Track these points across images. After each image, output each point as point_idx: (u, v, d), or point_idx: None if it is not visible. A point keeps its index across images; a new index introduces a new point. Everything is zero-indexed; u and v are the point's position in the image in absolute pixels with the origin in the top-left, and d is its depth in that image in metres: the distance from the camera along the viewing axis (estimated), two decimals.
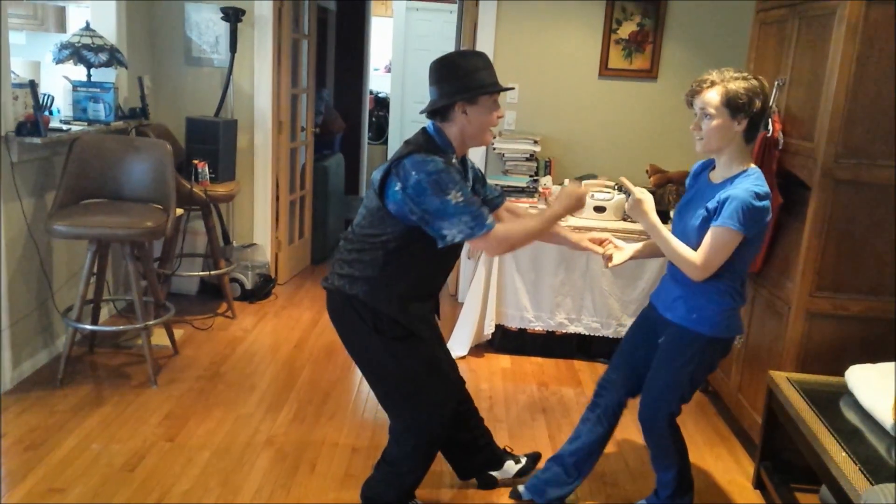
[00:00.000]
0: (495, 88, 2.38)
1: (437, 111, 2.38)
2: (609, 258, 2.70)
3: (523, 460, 3.02)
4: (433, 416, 2.55)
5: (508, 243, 2.40)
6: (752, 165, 2.42)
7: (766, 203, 2.32)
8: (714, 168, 2.52)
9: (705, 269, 2.35)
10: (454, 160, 2.41)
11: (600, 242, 2.73)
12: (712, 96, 2.33)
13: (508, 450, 3.06)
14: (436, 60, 2.42)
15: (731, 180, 2.38)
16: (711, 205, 2.36)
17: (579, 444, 2.80)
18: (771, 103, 3.27)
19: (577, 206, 2.47)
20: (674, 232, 2.50)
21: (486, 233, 2.29)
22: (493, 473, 2.97)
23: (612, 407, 2.75)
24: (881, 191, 2.86)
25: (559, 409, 3.72)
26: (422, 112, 2.46)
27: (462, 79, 2.34)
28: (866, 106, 2.80)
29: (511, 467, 2.99)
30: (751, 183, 2.32)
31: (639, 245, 2.75)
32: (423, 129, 2.43)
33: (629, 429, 3.54)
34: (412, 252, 2.39)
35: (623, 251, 2.71)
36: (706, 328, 2.46)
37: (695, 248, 2.40)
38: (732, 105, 2.31)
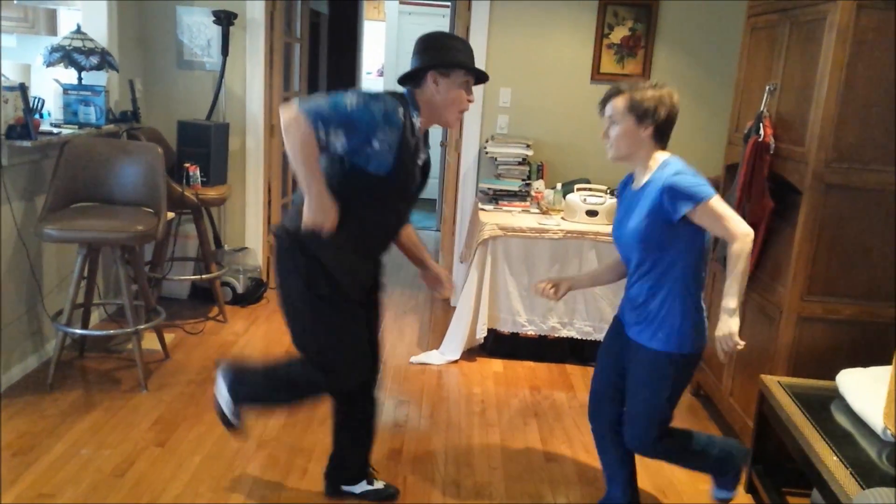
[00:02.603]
0: (469, 66, 2.41)
1: (410, 76, 2.42)
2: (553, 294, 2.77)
3: (380, 485, 2.90)
4: (340, 380, 2.56)
5: (289, 127, 2.27)
6: (663, 156, 2.43)
7: (685, 165, 2.38)
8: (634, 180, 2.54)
9: (745, 234, 2.30)
10: (417, 128, 2.42)
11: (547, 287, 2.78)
12: (619, 102, 2.40)
13: (373, 473, 2.93)
14: (422, 35, 2.47)
15: (652, 179, 2.39)
16: (648, 205, 2.36)
17: (613, 473, 2.78)
18: (762, 108, 3.29)
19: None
20: (617, 239, 2.58)
21: (300, 110, 2.25)
22: (345, 488, 2.87)
23: (613, 426, 2.71)
24: (872, 195, 2.87)
25: (551, 413, 3.72)
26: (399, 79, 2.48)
27: (440, 51, 2.40)
28: (857, 110, 2.81)
29: (363, 486, 2.87)
30: (670, 171, 2.35)
31: (578, 277, 2.88)
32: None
33: None
34: (351, 196, 2.37)
35: (560, 287, 2.78)
36: (673, 347, 2.45)
37: (632, 252, 2.46)
38: (636, 111, 2.37)
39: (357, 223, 2.41)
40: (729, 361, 3.44)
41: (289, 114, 2.26)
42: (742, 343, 2.35)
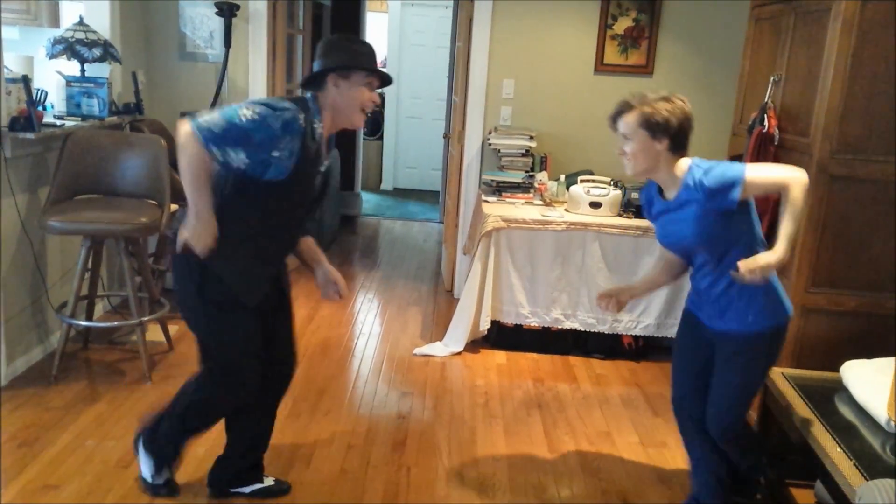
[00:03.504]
0: (368, 66, 2.38)
1: (311, 80, 2.40)
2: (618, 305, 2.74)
3: (270, 482, 2.84)
4: (231, 390, 2.53)
5: (184, 146, 2.22)
6: (685, 163, 2.41)
7: (704, 160, 2.39)
8: (661, 190, 2.51)
9: (801, 175, 2.29)
10: (318, 133, 2.37)
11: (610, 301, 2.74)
12: (630, 118, 2.37)
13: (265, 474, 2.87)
14: (323, 38, 2.44)
15: (685, 187, 2.38)
16: (696, 211, 2.35)
17: (702, 464, 2.74)
18: (767, 98, 3.28)
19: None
20: (669, 246, 2.55)
21: (194, 128, 2.20)
22: (232, 489, 2.80)
23: (699, 421, 2.67)
24: (877, 186, 2.86)
25: (555, 404, 3.72)
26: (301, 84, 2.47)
27: (339, 54, 2.37)
28: (861, 102, 2.80)
29: (253, 486, 2.81)
30: (698, 174, 2.34)
31: (636, 285, 2.78)
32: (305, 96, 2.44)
33: (625, 426, 3.55)
34: (246, 203, 2.34)
35: (622, 296, 2.73)
36: (766, 322, 2.44)
37: (694, 253, 2.45)
38: (648, 125, 2.34)
39: (252, 230, 2.38)
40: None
41: (185, 133, 2.21)
42: (753, 279, 2.28)
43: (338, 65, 2.35)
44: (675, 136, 2.35)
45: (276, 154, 2.25)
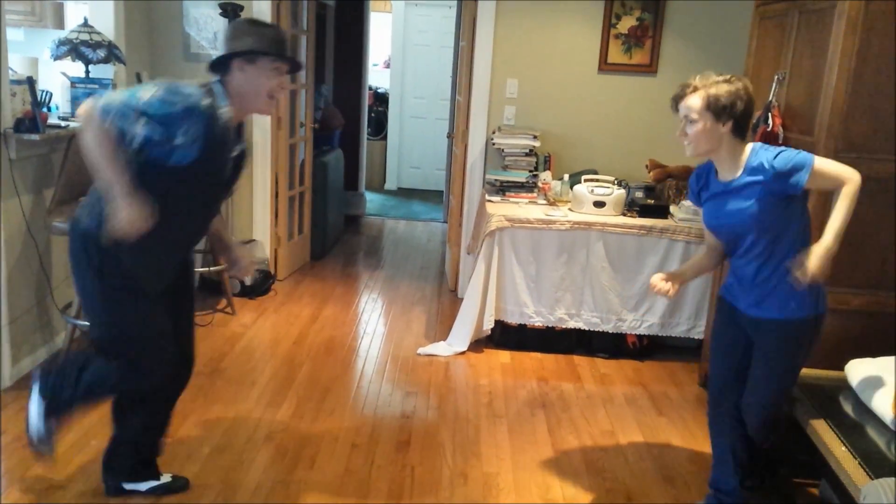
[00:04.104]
0: (274, 52, 2.34)
1: (218, 64, 2.36)
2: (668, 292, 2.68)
3: (167, 478, 2.79)
4: (136, 375, 2.46)
5: (85, 124, 2.18)
6: (748, 147, 2.43)
7: (781, 148, 2.42)
8: (717, 172, 2.51)
9: (855, 174, 2.33)
10: (225, 119, 2.32)
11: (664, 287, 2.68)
12: (694, 101, 2.35)
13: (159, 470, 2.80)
14: (231, 21, 2.39)
15: (749, 169, 2.39)
16: (758, 192, 2.35)
17: (725, 456, 2.73)
18: (771, 97, 3.27)
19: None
20: (719, 228, 2.53)
21: (96, 106, 2.16)
22: (127, 486, 2.73)
23: (735, 411, 2.67)
24: (881, 185, 2.86)
25: (559, 404, 3.72)
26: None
27: (246, 38, 2.33)
28: (866, 100, 2.80)
29: (149, 483, 2.75)
30: (767, 156, 2.36)
31: (684, 270, 2.74)
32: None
33: (629, 425, 3.54)
34: (150, 189, 2.26)
35: (674, 282, 2.65)
36: (808, 310, 2.46)
37: (743, 236, 2.44)
38: (714, 108, 2.33)
39: (159, 216, 2.30)
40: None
41: (85, 110, 2.17)
42: (815, 277, 2.28)
43: (243, 49, 2.31)
44: (739, 119, 2.35)
45: (178, 139, 2.20)
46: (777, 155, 2.35)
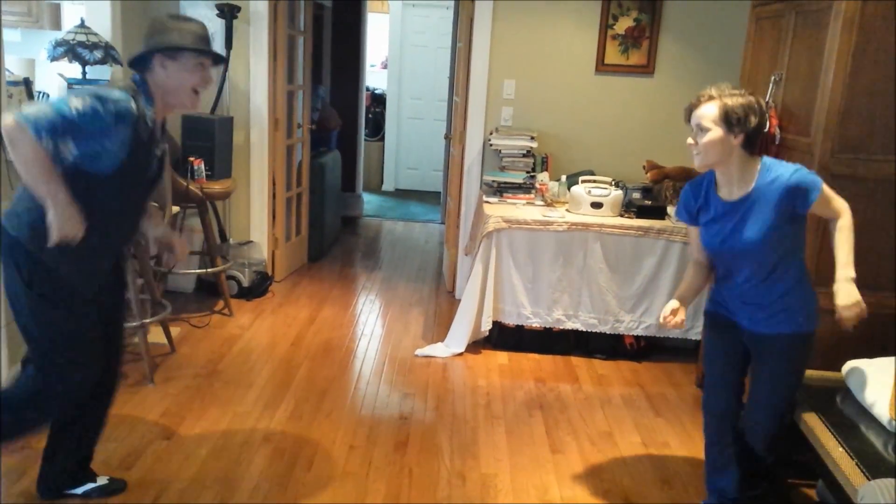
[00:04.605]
0: (195, 47, 2.32)
1: (138, 60, 2.34)
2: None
3: (104, 480, 2.76)
4: (64, 386, 2.42)
5: (15, 141, 2.10)
6: (759, 162, 2.42)
7: (781, 161, 2.45)
8: (718, 186, 2.49)
9: (848, 207, 2.44)
10: (151, 119, 2.31)
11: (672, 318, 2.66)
12: (709, 110, 2.35)
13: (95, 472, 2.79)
14: (152, 17, 2.38)
15: (759, 186, 2.38)
16: (773, 210, 2.35)
17: (726, 465, 2.72)
18: (767, 98, 3.27)
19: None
20: (721, 251, 2.50)
21: (23, 121, 2.08)
22: (68, 490, 2.70)
23: (730, 418, 2.69)
24: (878, 185, 2.86)
25: (557, 405, 3.72)
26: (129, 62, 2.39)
27: (165, 34, 2.31)
28: (863, 101, 2.80)
29: (86, 486, 2.72)
30: (784, 171, 2.37)
31: (684, 295, 2.70)
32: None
33: (627, 426, 3.54)
34: (78, 192, 2.22)
35: (682, 312, 2.63)
36: (813, 324, 2.51)
37: (753, 258, 2.43)
38: (728, 120, 2.32)
39: (87, 221, 2.27)
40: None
41: (10, 126, 2.09)
42: (859, 306, 2.40)
43: (164, 46, 2.29)
44: (751, 133, 2.35)
45: (107, 145, 2.19)
46: (795, 171, 2.36)
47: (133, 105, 2.23)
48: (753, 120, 2.33)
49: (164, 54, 2.30)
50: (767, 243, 2.40)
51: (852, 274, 2.39)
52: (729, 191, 2.45)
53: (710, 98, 2.36)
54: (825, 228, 2.87)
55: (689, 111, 2.42)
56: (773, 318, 2.49)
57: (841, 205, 2.42)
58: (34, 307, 2.36)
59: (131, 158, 2.27)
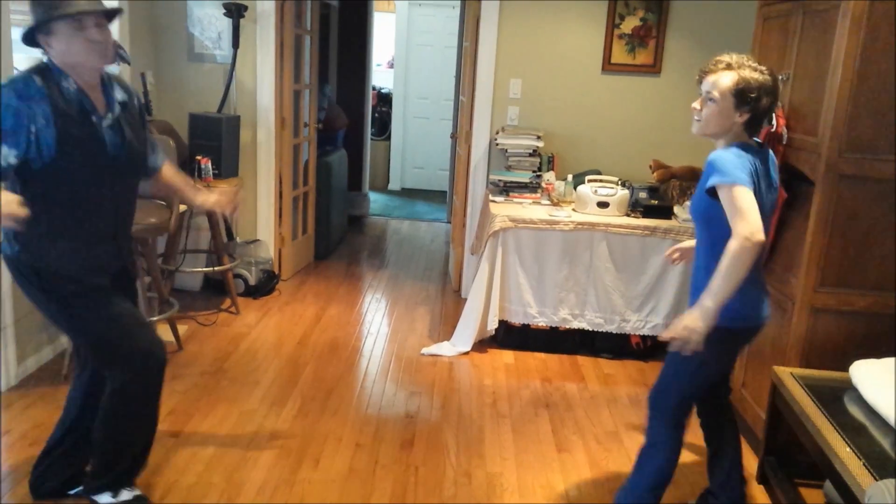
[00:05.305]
0: (64, 13, 2.16)
1: (28, 44, 2.25)
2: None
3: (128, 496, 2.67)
4: (133, 360, 2.43)
5: None
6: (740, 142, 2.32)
7: (740, 152, 2.23)
8: None
9: (748, 235, 2.11)
10: (71, 90, 2.24)
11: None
12: (724, 79, 2.26)
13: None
14: None
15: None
16: (702, 180, 2.31)
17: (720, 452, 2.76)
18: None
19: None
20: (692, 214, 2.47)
21: None
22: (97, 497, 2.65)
23: (711, 410, 2.74)
24: (886, 185, 2.85)
25: (562, 404, 3.72)
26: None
27: (35, 11, 2.20)
28: (870, 101, 2.79)
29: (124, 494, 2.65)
30: (728, 153, 2.24)
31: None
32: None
33: (633, 426, 3.54)
34: (36, 184, 2.21)
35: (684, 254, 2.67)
36: (731, 321, 2.30)
37: (699, 234, 2.42)
38: (740, 95, 2.24)
39: (62, 213, 2.27)
40: (742, 353, 3.38)
41: None
42: (696, 349, 2.19)
43: (35, 24, 2.19)
44: (758, 113, 2.26)
45: (33, 128, 2.15)
46: (727, 150, 2.24)
47: (37, 78, 2.18)
48: (765, 102, 2.25)
49: (40, 32, 2.20)
50: (692, 210, 2.38)
51: (709, 304, 2.16)
52: None
53: (728, 66, 2.26)
54: (833, 225, 2.88)
55: (703, 75, 2.33)
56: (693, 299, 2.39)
57: (738, 226, 2.13)
58: (64, 312, 2.38)
59: (67, 133, 2.20)
